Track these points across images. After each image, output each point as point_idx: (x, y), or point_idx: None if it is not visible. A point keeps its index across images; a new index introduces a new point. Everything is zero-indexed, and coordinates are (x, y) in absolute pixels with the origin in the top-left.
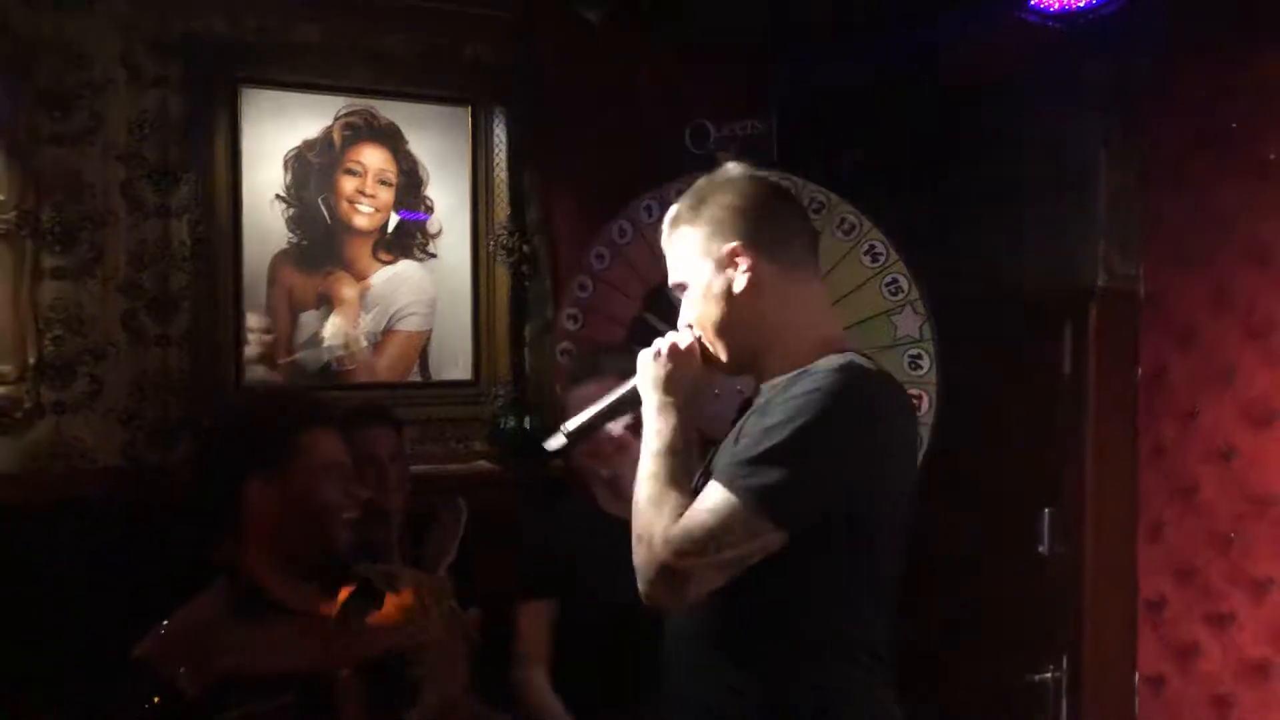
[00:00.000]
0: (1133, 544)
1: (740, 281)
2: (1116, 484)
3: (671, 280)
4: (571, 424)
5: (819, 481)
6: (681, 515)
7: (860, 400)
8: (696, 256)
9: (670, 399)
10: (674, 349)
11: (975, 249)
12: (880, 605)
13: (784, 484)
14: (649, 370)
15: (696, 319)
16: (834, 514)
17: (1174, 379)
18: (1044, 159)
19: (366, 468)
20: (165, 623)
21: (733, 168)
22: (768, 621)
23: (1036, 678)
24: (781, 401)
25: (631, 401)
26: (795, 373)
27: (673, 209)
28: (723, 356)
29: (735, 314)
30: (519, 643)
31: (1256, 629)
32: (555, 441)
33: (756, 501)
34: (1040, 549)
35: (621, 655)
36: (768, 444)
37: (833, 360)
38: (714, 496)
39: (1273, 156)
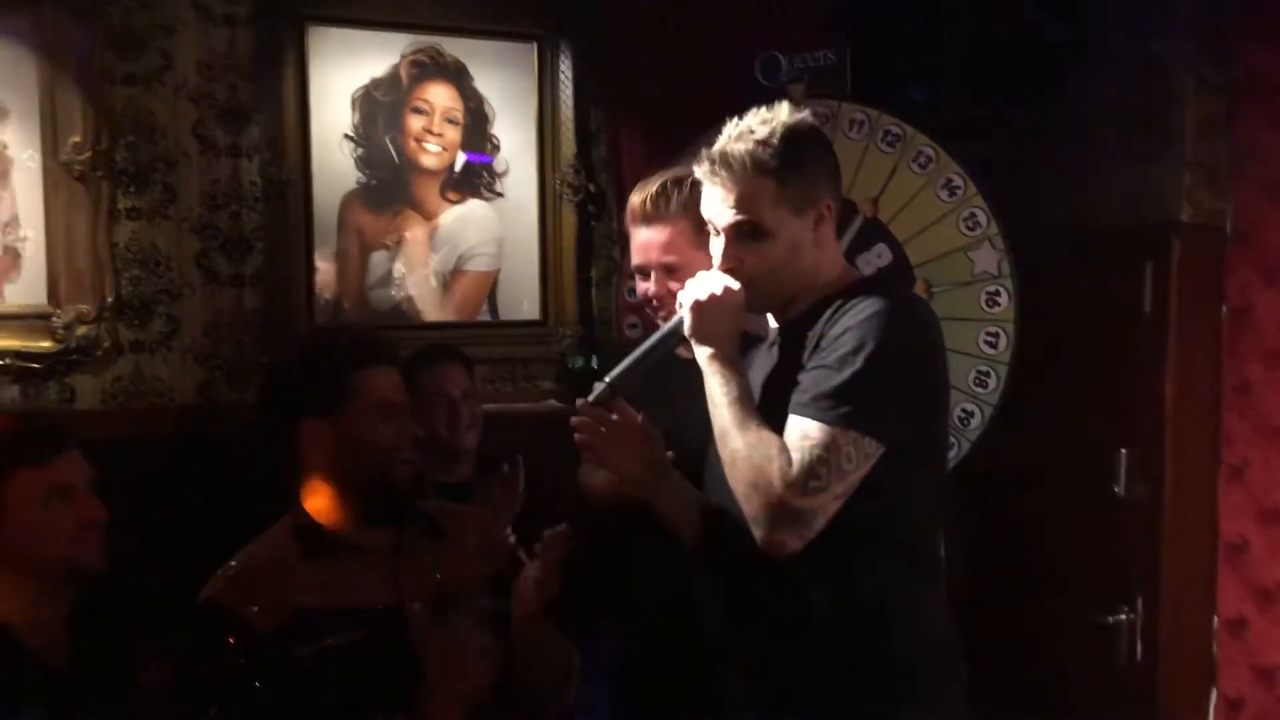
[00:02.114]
0: (1214, 485)
1: (815, 235)
2: (1198, 424)
3: (730, 221)
4: (613, 374)
5: (908, 394)
6: (787, 456)
7: (917, 318)
8: (775, 205)
9: (731, 345)
10: (728, 294)
11: (1055, 182)
12: (933, 511)
13: (880, 402)
14: (706, 321)
15: (760, 264)
16: (923, 424)
17: (1261, 316)
18: (1128, 87)
19: (438, 405)
20: (232, 563)
21: (797, 114)
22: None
23: (1111, 619)
24: (845, 330)
25: (672, 340)
26: (841, 304)
27: (740, 148)
28: (764, 300)
29: (800, 262)
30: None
31: None
32: (598, 393)
33: (861, 425)
34: (1117, 489)
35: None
36: (851, 370)
37: (870, 289)
38: (814, 432)
39: None
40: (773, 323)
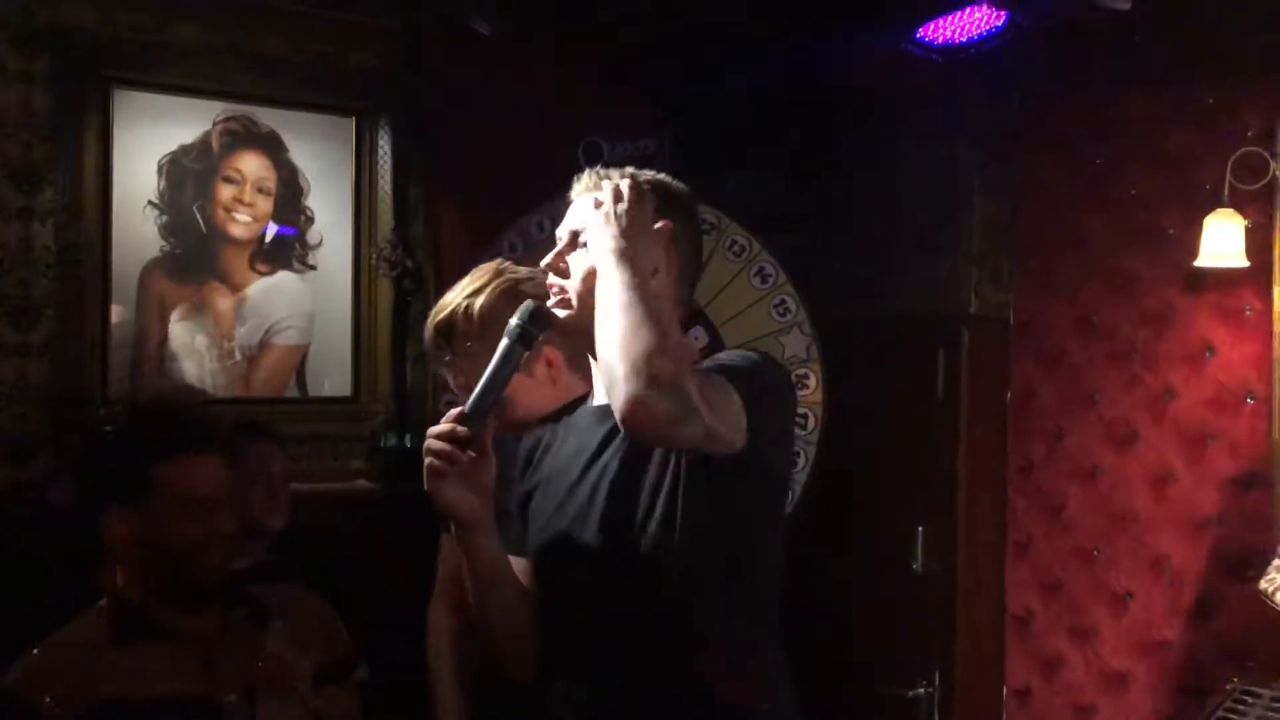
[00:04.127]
0: (1002, 560)
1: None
2: (987, 503)
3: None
4: (468, 407)
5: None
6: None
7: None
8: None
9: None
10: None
11: (859, 273)
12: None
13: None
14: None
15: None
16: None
17: (1041, 402)
18: (922, 188)
19: (256, 485)
20: (35, 650)
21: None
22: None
23: (910, 693)
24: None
25: (519, 349)
26: None
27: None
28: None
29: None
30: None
31: (1117, 641)
32: (473, 411)
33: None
34: (915, 566)
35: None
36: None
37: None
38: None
39: (1134, 192)
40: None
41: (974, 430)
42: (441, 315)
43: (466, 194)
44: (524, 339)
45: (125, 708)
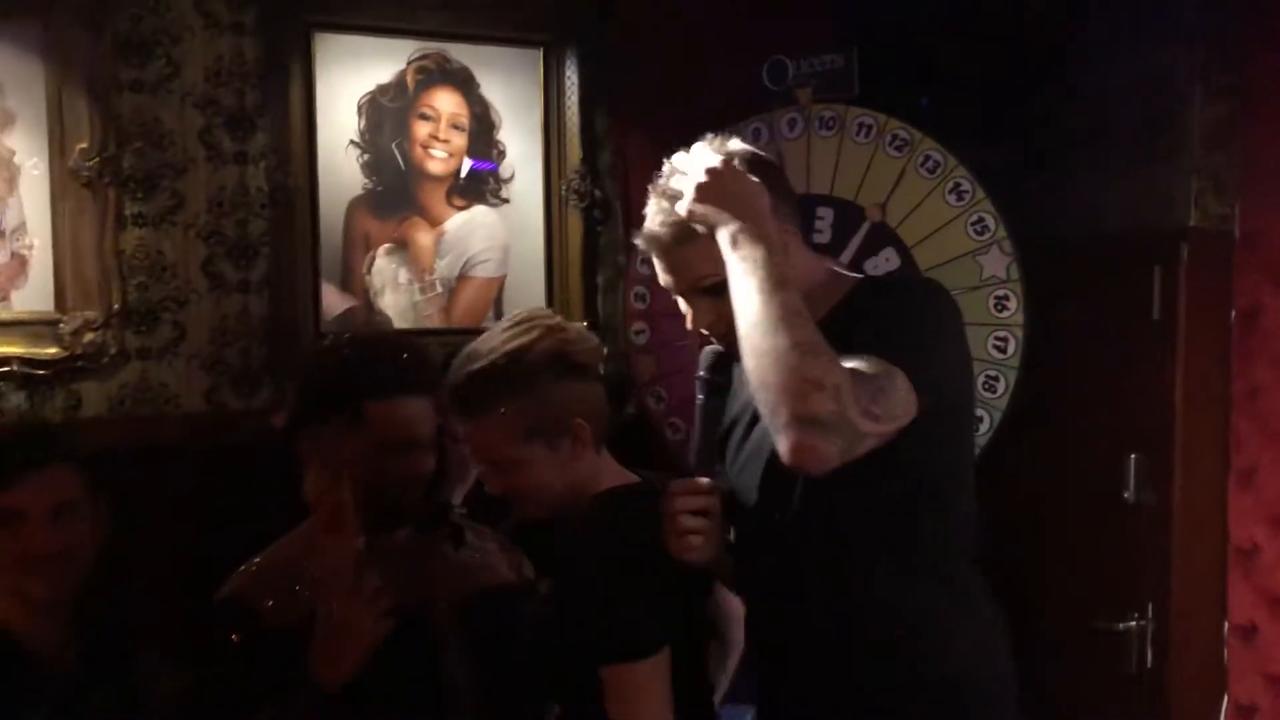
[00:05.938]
0: (1224, 490)
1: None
2: (1207, 428)
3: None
4: (701, 474)
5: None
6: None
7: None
8: None
9: (759, 217)
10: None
11: (1063, 187)
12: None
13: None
14: (712, 195)
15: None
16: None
17: (1270, 321)
18: (1135, 92)
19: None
20: (255, 559)
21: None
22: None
23: (1122, 626)
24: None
25: (714, 403)
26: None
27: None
28: None
29: None
30: None
31: None
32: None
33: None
34: (1127, 495)
35: None
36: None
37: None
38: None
39: None
40: None
41: (1193, 352)
42: (476, 365)
43: (653, 121)
44: (708, 389)
45: None
